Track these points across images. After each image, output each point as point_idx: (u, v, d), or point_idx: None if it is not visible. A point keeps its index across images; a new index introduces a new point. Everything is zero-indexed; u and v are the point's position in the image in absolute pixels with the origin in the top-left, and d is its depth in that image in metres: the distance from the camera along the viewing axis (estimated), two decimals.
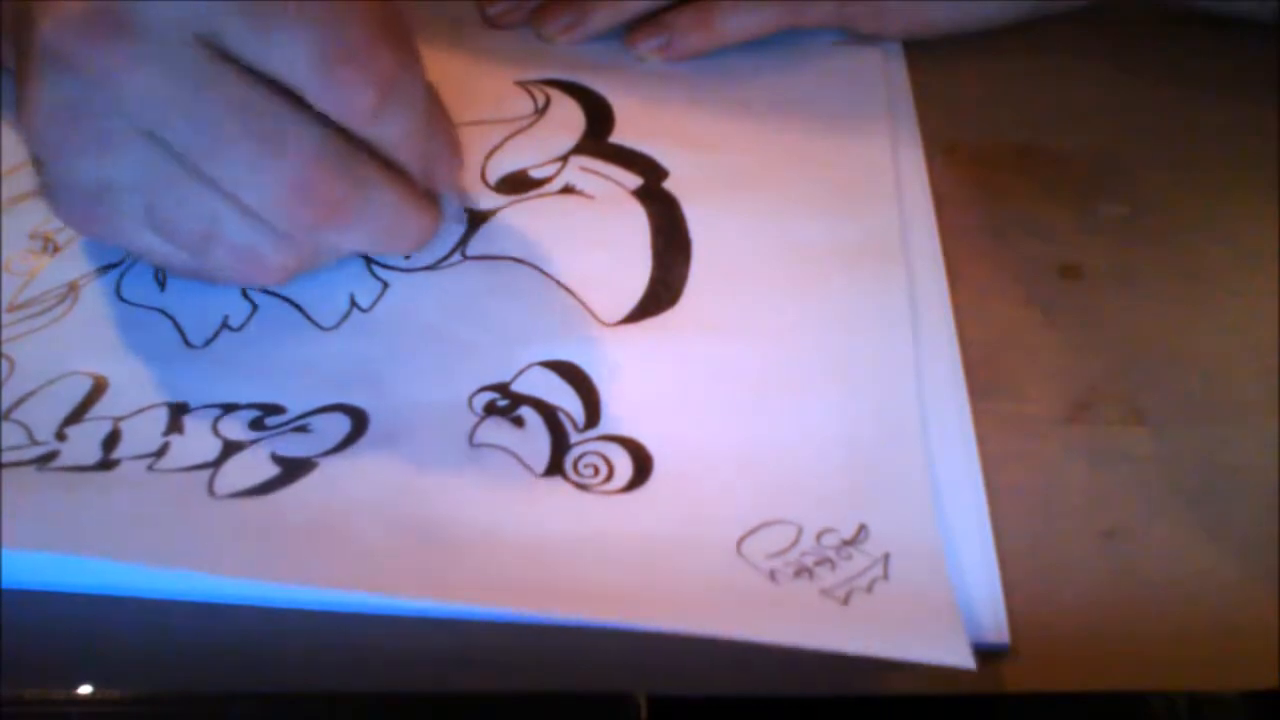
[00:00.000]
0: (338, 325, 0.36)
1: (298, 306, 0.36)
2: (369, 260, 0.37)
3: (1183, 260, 0.39)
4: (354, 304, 0.36)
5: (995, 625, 0.30)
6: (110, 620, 0.29)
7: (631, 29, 0.45)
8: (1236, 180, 0.42)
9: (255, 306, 0.36)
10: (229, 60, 0.30)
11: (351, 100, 0.31)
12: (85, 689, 0.28)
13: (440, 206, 0.36)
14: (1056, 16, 0.46)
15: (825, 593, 0.29)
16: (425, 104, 0.33)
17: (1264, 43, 0.45)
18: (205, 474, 0.31)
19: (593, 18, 0.45)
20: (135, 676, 0.29)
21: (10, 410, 0.33)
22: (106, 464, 0.32)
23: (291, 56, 0.30)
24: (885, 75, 0.45)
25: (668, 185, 0.40)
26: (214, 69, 0.30)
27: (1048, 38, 0.47)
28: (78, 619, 0.29)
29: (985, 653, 0.29)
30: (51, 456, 0.32)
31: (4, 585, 0.29)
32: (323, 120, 0.31)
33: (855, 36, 0.46)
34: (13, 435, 0.32)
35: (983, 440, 0.34)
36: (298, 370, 0.34)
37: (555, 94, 0.43)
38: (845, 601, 0.29)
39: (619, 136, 0.42)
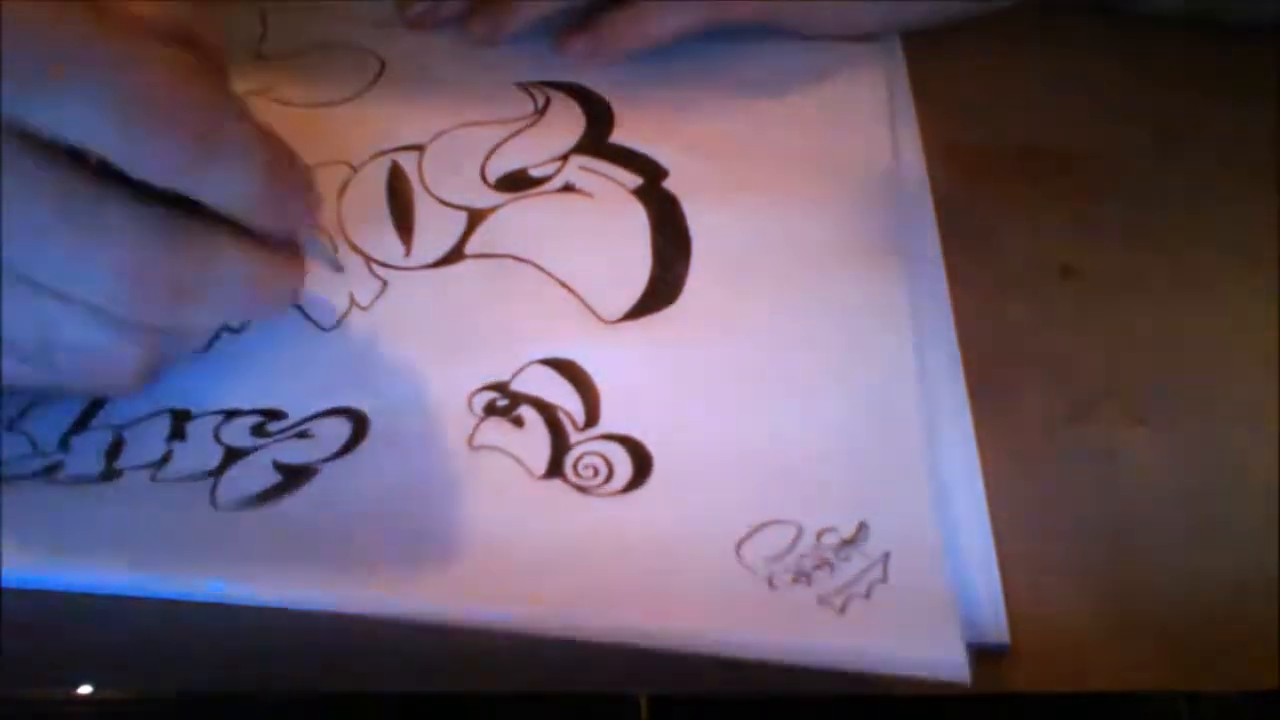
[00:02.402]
0: (337, 325, 0.36)
1: (297, 306, 0.36)
2: (367, 258, 0.37)
3: (1182, 261, 0.39)
4: (353, 302, 0.36)
5: (995, 625, 0.30)
6: (110, 620, 0.29)
7: (562, 33, 0.45)
8: (1236, 180, 0.42)
9: None
10: (25, 139, 0.26)
11: (164, 158, 0.27)
12: (85, 689, 0.28)
13: (303, 255, 0.33)
14: (989, 16, 0.46)
15: (823, 600, 0.29)
16: (259, 148, 0.29)
17: (1264, 44, 0.45)
18: (207, 483, 0.31)
19: (513, 18, 0.45)
20: (135, 676, 0.28)
21: (15, 420, 0.33)
22: (109, 474, 0.32)
23: (85, 119, 0.26)
24: (885, 75, 0.45)
25: (668, 184, 0.40)
26: (8, 152, 0.26)
27: (1048, 39, 0.47)
28: (78, 619, 0.29)
29: (985, 653, 0.29)
30: (56, 468, 0.32)
31: (4, 584, 0.29)
32: (149, 192, 0.28)
33: (786, 34, 0.46)
34: (17, 446, 0.32)
35: (983, 440, 0.33)
36: (298, 373, 0.34)
37: (555, 95, 0.43)
38: (842, 610, 0.29)
39: (619, 137, 0.42)
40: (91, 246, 0.27)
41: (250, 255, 0.30)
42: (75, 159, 0.27)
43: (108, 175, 0.27)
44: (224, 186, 0.28)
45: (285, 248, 0.32)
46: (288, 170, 0.30)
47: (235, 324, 0.35)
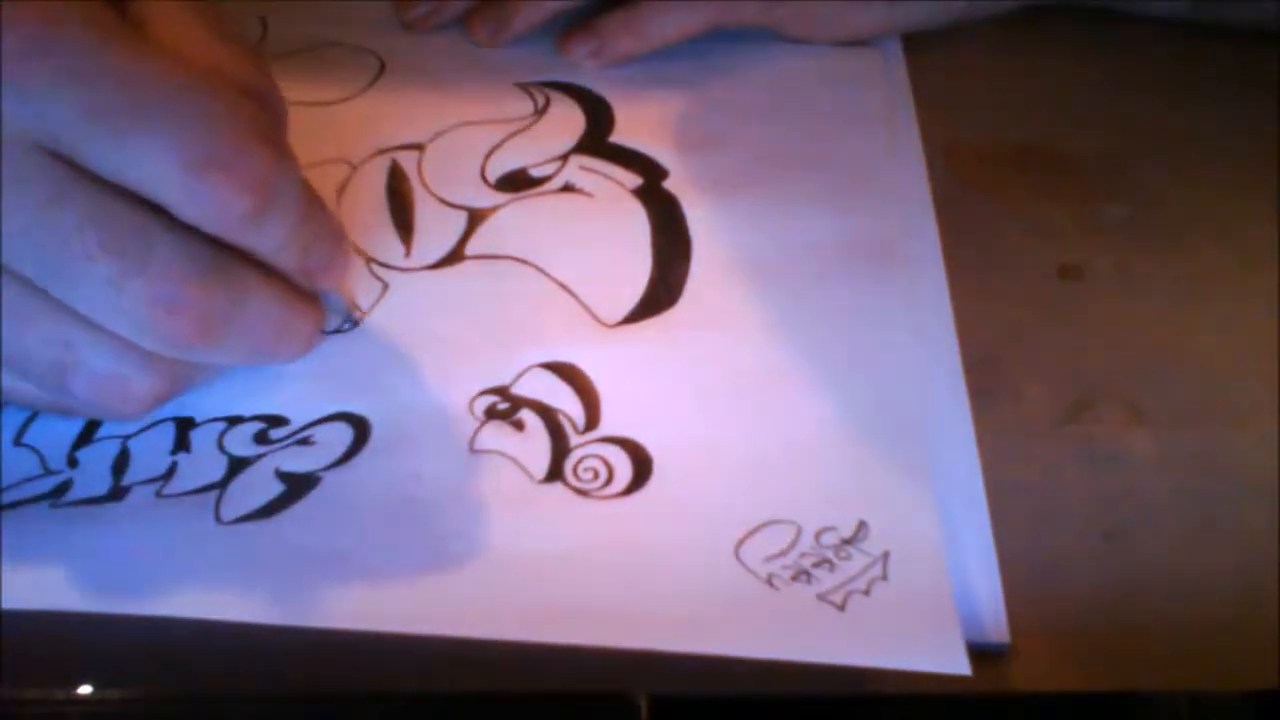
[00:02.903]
0: (338, 328, 0.36)
1: None
2: (368, 258, 0.37)
3: (1183, 260, 0.39)
4: (354, 305, 0.36)
5: (995, 625, 0.30)
6: (110, 620, 0.29)
7: (564, 34, 0.45)
8: (1236, 181, 0.42)
9: None
10: (78, 169, 0.27)
11: (224, 210, 0.28)
12: (85, 689, 0.28)
13: (323, 306, 0.33)
14: (984, 19, 0.47)
15: (822, 598, 0.29)
16: (303, 203, 0.30)
17: (1264, 44, 0.45)
18: (211, 497, 0.31)
19: (514, 19, 0.45)
20: (135, 676, 0.29)
21: (20, 432, 0.33)
22: (116, 492, 0.31)
23: (151, 165, 0.27)
24: (885, 75, 0.45)
25: (668, 185, 0.40)
26: (60, 180, 0.27)
27: (1048, 39, 0.47)
28: (78, 619, 0.29)
29: (985, 653, 0.29)
30: (64, 488, 0.32)
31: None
32: (189, 227, 0.28)
33: (785, 38, 0.46)
34: (26, 464, 0.32)
35: (983, 440, 0.34)
36: (300, 377, 0.34)
37: (555, 95, 0.43)
38: (842, 607, 0.29)
39: (619, 136, 0.42)
40: (132, 277, 0.28)
41: (279, 298, 0.31)
42: (122, 190, 0.28)
43: (151, 205, 0.28)
44: (269, 237, 0.29)
45: (307, 295, 0.32)
46: (324, 222, 0.31)
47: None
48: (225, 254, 0.29)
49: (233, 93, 0.28)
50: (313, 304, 0.33)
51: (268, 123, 0.29)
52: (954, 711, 0.29)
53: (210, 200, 0.28)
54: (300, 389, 0.34)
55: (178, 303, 0.28)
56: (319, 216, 0.31)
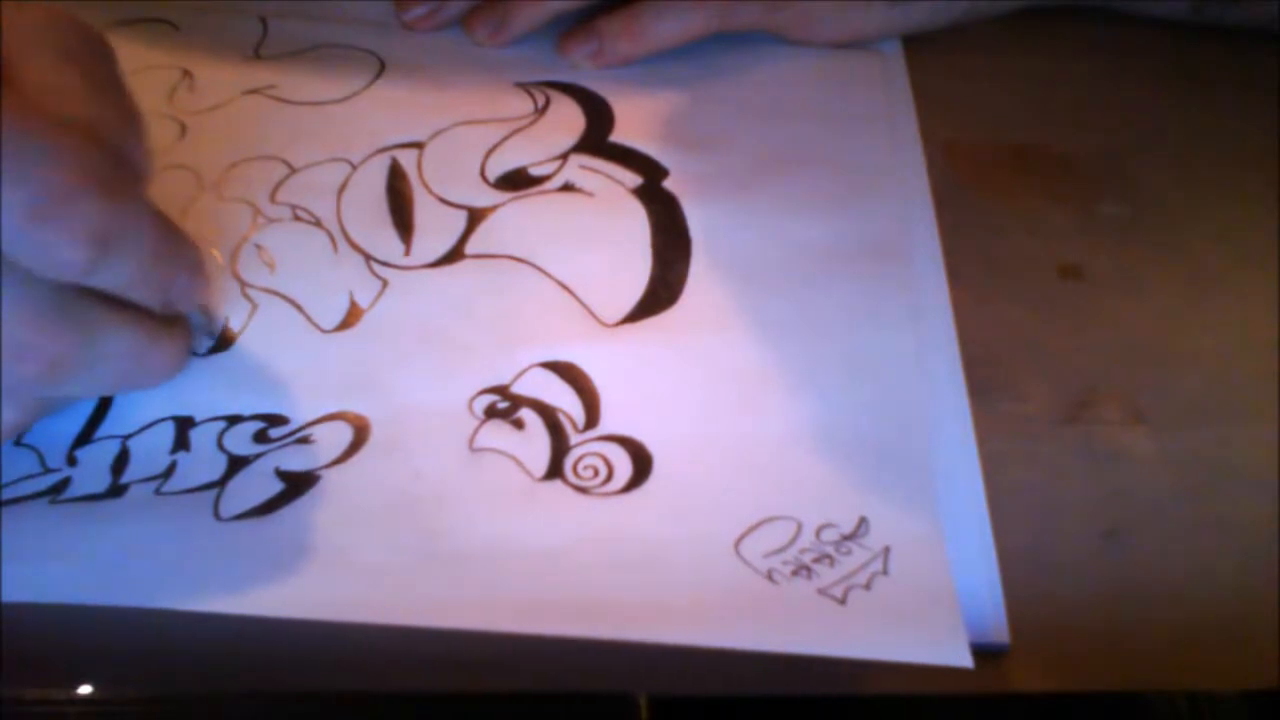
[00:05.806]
0: (338, 326, 0.36)
1: (298, 306, 0.36)
2: (367, 256, 0.37)
3: (1183, 260, 0.39)
4: (353, 303, 0.36)
5: (995, 625, 0.30)
6: (110, 620, 0.29)
7: (564, 36, 0.45)
8: (1236, 180, 0.42)
9: (255, 306, 0.36)
10: None
11: (60, 258, 0.27)
12: (85, 689, 0.28)
13: (188, 327, 0.33)
14: (984, 20, 0.47)
15: (823, 592, 0.29)
16: (152, 239, 0.29)
17: (1264, 44, 0.45)
18: (211, 495, 0.31)
19: (515, 20, 0.45)
20: (135, 676, 0.29)
21: (21, 433, 0.33)
22: (116, 489, 0.32)
23: None
24: (885, 75, 0.45)
25: (668, 184, 0.40)
26: None
27: (1048, 39, 0.47)
28: (78, 619, 0.29)
29: (985, 653, 0.29)
30: (63, 485, 0.32)
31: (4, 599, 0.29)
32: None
33: (786, 41, 0.46)
34: (25, 463, 0.32)
35: (983, 440, 0.34)
36: (299, 376, 0.34)
37: (555, 95, 0.43)
38: (843, 600, 0.29)
39: (619, 136, 0.42)
40: None
41: (135, 331, 0.30)
42: None
43: None
44: (115, 277, 0.29)
45: (168, 321, 0.32)
46: (179, 250, 0.30)
47: (235, 327, 0.35)
48: (73, 294, 0.29)
49: (75, 140, 0.27)
50: (175, 329, 0.32)
51: (113, 171, 0.28)
52: (954, 711, 0.29)
53: (42, 250, 0.27)
54: (299, 388, 0.34)
55: (23, 346, 0.28)
56: (171, 250, 0.30)
